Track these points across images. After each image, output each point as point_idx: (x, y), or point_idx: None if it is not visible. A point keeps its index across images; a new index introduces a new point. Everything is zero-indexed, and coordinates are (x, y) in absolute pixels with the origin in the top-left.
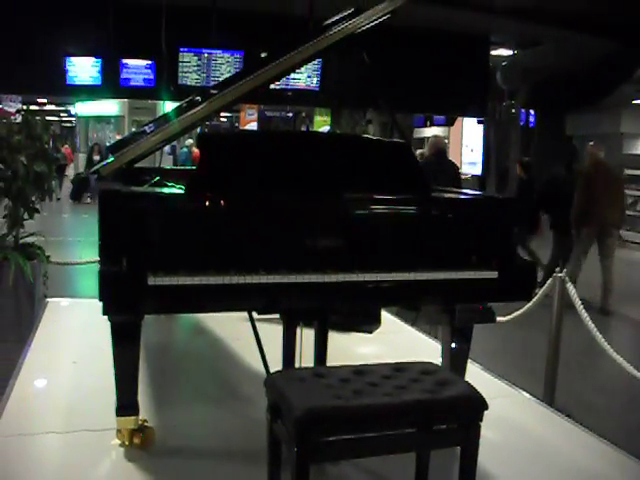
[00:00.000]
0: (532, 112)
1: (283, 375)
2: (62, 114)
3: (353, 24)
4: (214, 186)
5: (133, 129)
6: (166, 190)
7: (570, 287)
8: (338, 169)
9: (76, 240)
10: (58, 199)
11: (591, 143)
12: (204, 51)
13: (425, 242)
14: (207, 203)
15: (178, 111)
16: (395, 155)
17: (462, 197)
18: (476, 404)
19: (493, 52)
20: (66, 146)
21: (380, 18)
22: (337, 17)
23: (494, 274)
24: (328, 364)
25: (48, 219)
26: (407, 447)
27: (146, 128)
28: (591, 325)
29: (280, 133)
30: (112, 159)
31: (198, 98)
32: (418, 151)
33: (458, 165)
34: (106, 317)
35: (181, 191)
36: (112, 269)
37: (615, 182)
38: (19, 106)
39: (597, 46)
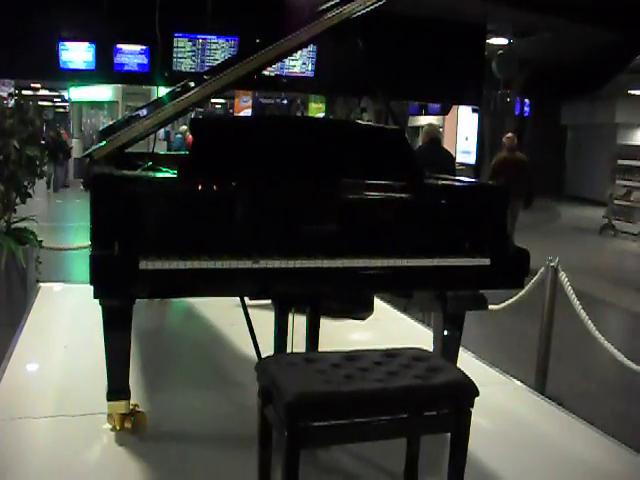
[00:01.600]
0: (527, 101)
1: (274, 360)
2: (56, 99)
3: (348, 10)
4: (207, 170)
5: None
6: (158, 174)
7: (563, 275)
8: (332, 154)
9: (69, 225)
10: (66, 186)
11: (508, 135)
12: (199, 37)
13: (418, 228)
14: (199, 187)
15: (171, 95)
16: (389, 142)
17: (455, 184)
18: (467, 390)
19: (489, 40)
20: (64, 132)
21: (375, 4)
22: (332, 2)
23: (486, 261)
24: (320, 350)
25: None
26: (398, 433)
27: (139, 112)
28: (583, 313)
29: (273, 118)
30: (104, 143)
31: (191, 83)
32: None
33: (452, 154)
34: (97, 301)
35: (173, 175)
36: (103, 253)
37: (523, 165)
38: (12, 90)
39: (593, 36)
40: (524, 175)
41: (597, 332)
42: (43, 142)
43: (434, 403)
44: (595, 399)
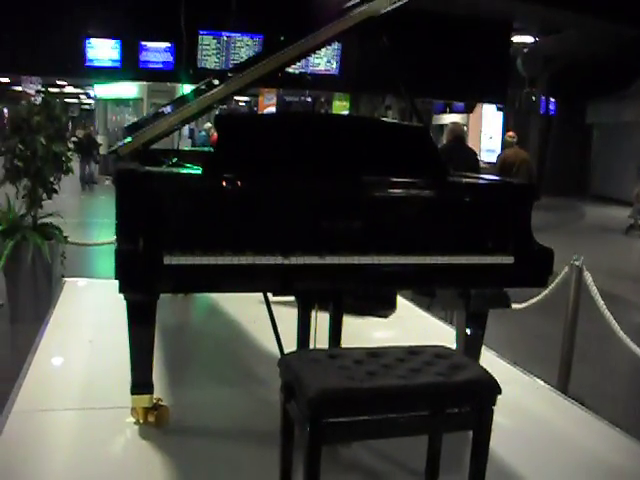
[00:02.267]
0: (552, 100)
1: (297, 356)
2: (81, 96)
3: (373, 7)
4: (231, 166)
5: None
6: (183, 170)
7: (587, 275)
8: (356, 151)
9: (94, 221)
10: (94, 182)
11: (510, 133)
12: (224, 34)
13: (441, 226)
14: (224, 183)
15: (195, 92)
16: (413, 139)
17: (479, 182)
18: (489, 388)
19: (514, 38)
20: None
21: (401, 1)
22: (357, 0)
23: (510, 259)
24: (342, 347)
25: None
26: (419, 430)
27: (163, 109)
28: (607, 313)
29: (297, 115)
30: (129, 139)
31: (216, 80)
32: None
33: (477, 152)
34: (122, 296)
35: (198, 171)
36: (128, 248)
37: (525, 161)
38: (39, 87)
39: (619, 33)
40: (525, 171)
41: (621, 332)
42: (78, 139)
43: (456, 400)
44: (618, 399)
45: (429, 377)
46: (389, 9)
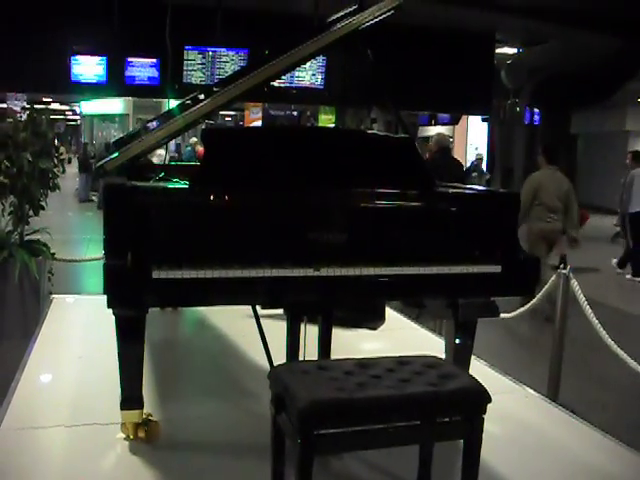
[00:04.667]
0: (537, 110)
1: (287, 368)
2: (67, 113)
3: (357, 20)
4: (218, 180)
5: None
6: (170, 184)
7: (574, 283)
8: (343, 164)
9: (81, 238)
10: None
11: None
12: (209, 49)
13: (429, 236)
14: (211, 197)
15: (181, 108)
16: (399, 150)
17: (465, 192)
18: (479, 397)
19: (498, 50)
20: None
21: (384, 14)
22: (341, 14)
23: (497, 268)
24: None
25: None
26: (410, 439)
27: (150, 125)
28: (595, 321)
29: (284, 128)
30: (116, 154)
31: (201, 95)
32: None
33: (463, 163)
34: (111, 311)
35: (185, 186)
36: (117, 263)
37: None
38: (24, 104)
39: (602, 44)
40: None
41: (609, 339)
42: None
43: (446, 410)
44: (608, 406)
45: (419, 387)
46: (373, 22)
